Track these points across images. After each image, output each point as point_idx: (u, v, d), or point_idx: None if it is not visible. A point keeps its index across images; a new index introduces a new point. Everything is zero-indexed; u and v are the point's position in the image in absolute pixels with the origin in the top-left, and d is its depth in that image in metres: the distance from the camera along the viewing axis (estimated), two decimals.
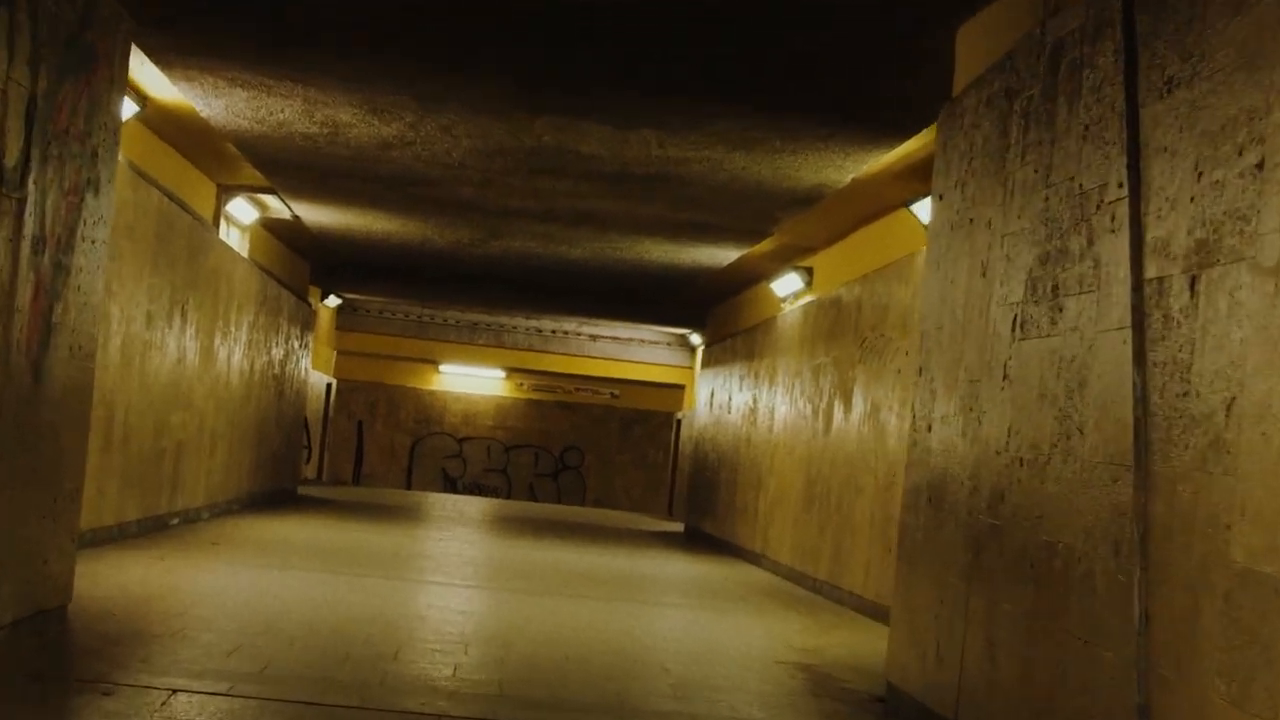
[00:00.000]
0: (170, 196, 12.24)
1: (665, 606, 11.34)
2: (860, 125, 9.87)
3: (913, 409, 7.36)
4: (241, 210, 16.34)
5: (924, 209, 11.74)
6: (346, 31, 9.03)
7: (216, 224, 15.40)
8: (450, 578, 11.96)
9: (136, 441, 11.98)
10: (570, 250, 17.49)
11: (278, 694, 5.95)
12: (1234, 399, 3.96)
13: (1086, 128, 5.31)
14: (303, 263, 21.64)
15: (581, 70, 9.29)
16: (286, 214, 16.87)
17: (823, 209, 13.13)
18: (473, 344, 30.55)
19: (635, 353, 29.82)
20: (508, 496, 34.30)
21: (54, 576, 7.08)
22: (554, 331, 29.93)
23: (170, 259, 12.40)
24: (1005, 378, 5.93)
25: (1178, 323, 4.41)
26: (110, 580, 9.03)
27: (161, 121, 12.49)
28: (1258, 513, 3.77)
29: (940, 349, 6.96)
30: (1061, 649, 5.03)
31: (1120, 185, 4.91)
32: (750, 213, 13.56)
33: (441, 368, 33.80)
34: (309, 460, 27.38)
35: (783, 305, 17.44)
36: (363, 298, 25.96)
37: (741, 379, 18.84)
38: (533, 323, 29.32)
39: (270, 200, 16.24)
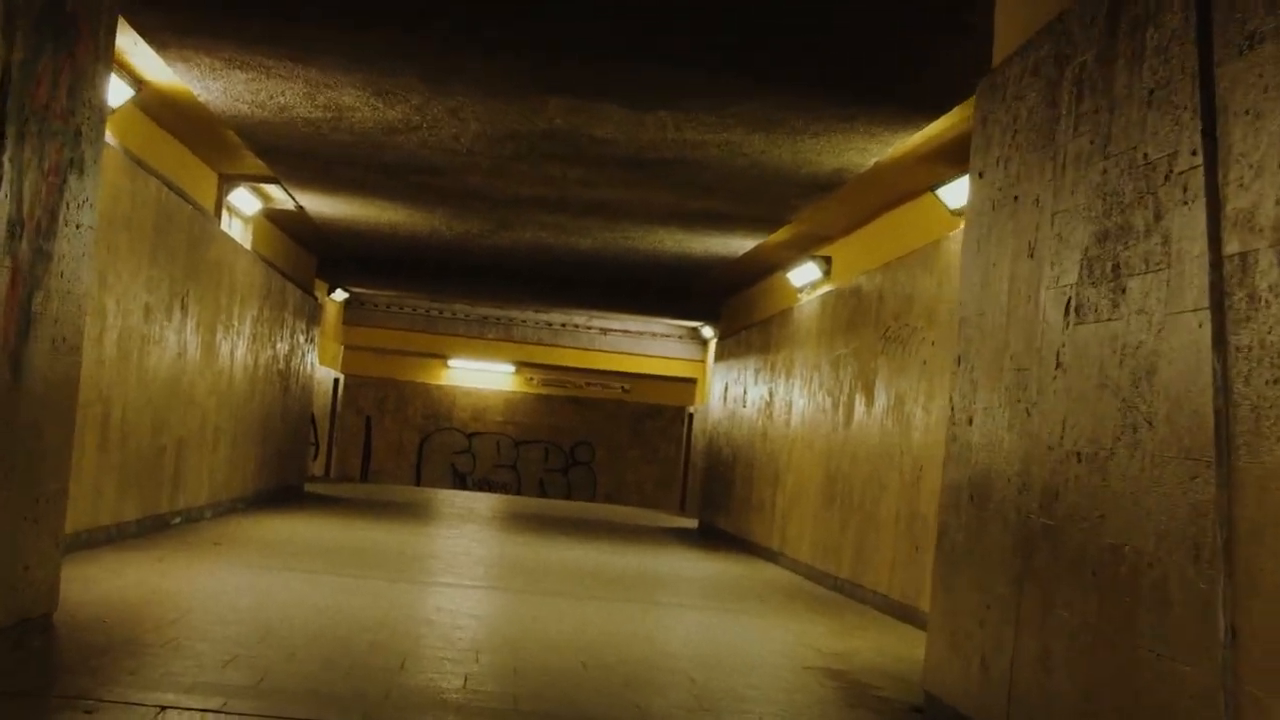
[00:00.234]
0: (169, 186, 11.83)
1: (683, 608, 10.91)
2: (888, 102, 9.41)
3: (950, 401, 6.90)
4: (244, 201, 15.92)
5: (950, 193, 11.28)
6: (349, 4, 8.60)
7: (218, 215, 14.98)
8: (460, 578, 11.53)
9: (135, 439, 11.57)
10: (581, 241, 17.07)
11: (274, 709, 5.52)
12: None
13: (1151, 92, 4.85)
14: (308, 256, 21.24)
15: (596, 43, 8.84)
16: (290, 205, 16.45)
17: (842, 195, 12.69)
18: (482, 338, 30.19)
19: (647, 346, 29.47)
20: (517, 492, 33.90)
21: (36, 583, 6.65)
22: (564, 325, 29.56)
23: (170, 251, 11.98)
24: (1058, 366, 5.49)
25: (1266, 302, 3.96)
26: (103, 584, 8.62)
27: (159, 107, 12.05)
28: None
29: (982, 336, 6.51)
30: (1130, 663, 4.58)
31: (1194, 153, 4.46)
32: (768, 200, 13.13)
33: (450, 362, 33.43)
34: (316, 457, 27.01)
35: (800, 296, 17.00)
36: (370, 291, 25.57)
37: (757, 372, 18.40)
38: (542, 316, 28.96)
39: (274, 190, 15.81)
